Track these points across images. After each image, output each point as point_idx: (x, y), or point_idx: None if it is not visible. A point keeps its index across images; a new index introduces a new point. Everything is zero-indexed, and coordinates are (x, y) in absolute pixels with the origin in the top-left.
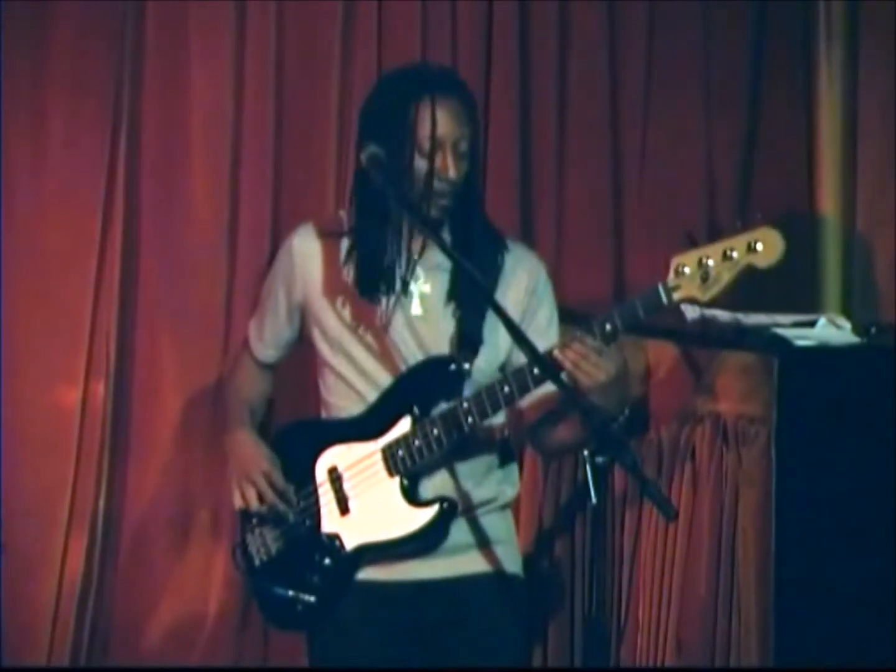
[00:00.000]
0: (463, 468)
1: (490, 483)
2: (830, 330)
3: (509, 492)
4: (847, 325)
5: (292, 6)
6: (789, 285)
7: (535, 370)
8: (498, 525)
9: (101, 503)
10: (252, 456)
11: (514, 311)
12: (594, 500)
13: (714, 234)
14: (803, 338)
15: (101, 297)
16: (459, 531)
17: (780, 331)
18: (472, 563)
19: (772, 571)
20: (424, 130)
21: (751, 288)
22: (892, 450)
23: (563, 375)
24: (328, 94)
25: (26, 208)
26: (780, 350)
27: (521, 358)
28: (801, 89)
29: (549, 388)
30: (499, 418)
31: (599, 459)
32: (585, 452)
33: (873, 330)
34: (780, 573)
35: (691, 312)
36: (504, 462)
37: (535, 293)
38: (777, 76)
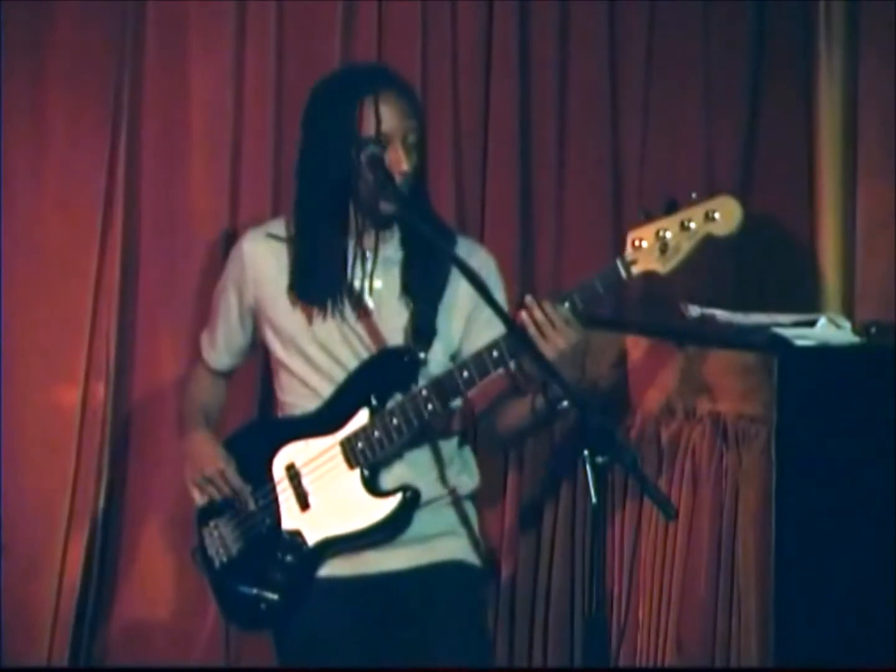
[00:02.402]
0: (421, 459)
1: (449, 473)
2: (830, 330)
3: (468, 482)
4: (847, 325)
5: (292, 6)
6: (789, 285)
7: (494, 353)
8: (459, 515)
9: (101, 503)
10: (207, 455)
11: (465, 303)
12: (594, 499)
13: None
14: (803, 338)
15: (101, 297)
16: (420, 521)
17: (780, 330)
18: (433, 553)
19: (772, 571)
20: (370, 128)
21: (751, 288)
22: (892, 450)
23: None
24: None
25: (26, 208)
26: (781, 350)
27: (472, 348)
28: (801, 89)
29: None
30: (455, 405)
31: (599, 459)
32: (586, 452)
33: (873, 330)
34: (780, 573)
35: (691, 311)
36: (461, 453)
37: (486, 284)
38: (777, 76)
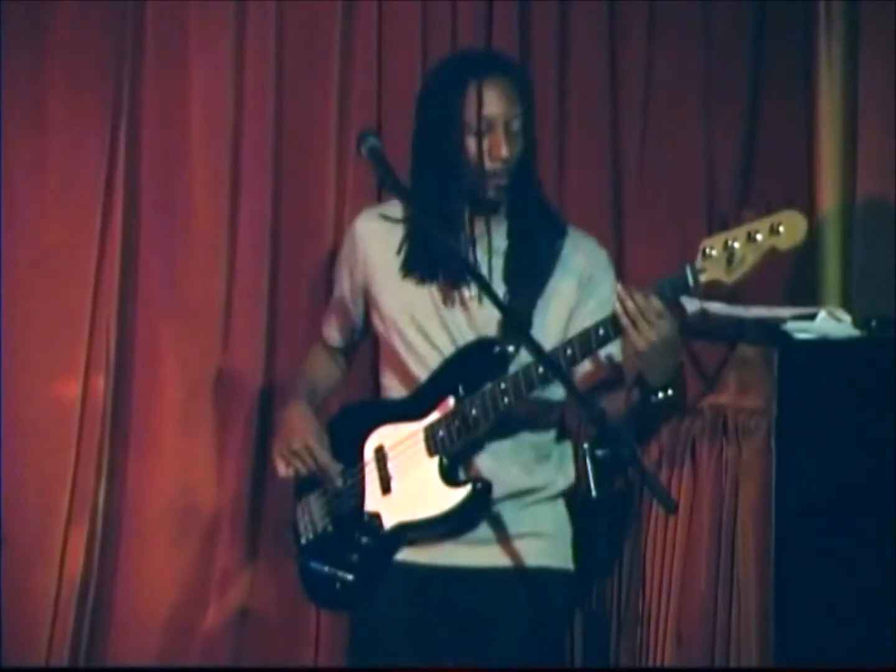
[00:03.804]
0: (509, 452)
1: (540, 471)
2: (830, 323)
3: (560, 481)
4: (847, 318)
5: (292, 6)
6: (790, 279)
7: (568, 351)
8: (545, 516)
9: (102, 497)
10: (298, 428)
11: (568, 296)
12: (594, 493)
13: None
14: (803, 331)
15: (101, 292)
16: (504, 518)
17: (780, 324)
18: (515, 555)
19: (771, 564)
20: (472, 111)
21: (751, 281)
22: (892, 442)
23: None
24: (328, 94)
25: (26, 206)
26: (781, 343)
27: None
28: (801, 89)
29: (587, 366)
30: (556, 395)
31: (600, 452)
32: (585, 445)
33: (873, 323)
34: (779, 566)
35: (691, 305)
36: (560, 447)
37: (592, 279)
38: (777, 76)
